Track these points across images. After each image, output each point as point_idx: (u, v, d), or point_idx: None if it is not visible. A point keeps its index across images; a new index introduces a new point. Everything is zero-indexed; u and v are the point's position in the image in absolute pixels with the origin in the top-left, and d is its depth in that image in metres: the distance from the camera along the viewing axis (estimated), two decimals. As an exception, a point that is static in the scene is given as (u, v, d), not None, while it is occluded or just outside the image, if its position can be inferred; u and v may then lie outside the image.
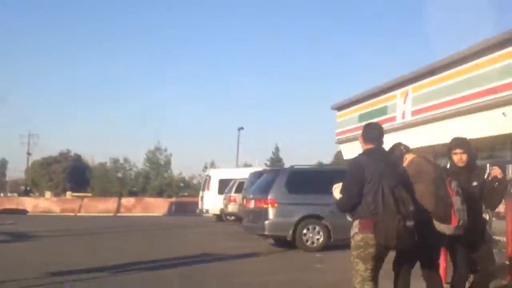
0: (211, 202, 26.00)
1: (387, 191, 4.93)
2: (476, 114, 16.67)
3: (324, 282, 8.74)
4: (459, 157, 6.14)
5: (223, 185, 25.96)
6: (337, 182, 12.21)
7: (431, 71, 19.77)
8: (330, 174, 12.85)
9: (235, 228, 19.08)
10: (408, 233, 4.96)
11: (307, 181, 12.41)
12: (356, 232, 5.14)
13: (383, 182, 4.98)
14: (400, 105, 22.36)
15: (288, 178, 12.23)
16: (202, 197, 27.11)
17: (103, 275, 9.38)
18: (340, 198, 5.38)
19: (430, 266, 5.82)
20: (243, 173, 26.26)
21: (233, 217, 24.25)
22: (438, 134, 19.39)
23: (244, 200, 13.39)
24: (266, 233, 12.15)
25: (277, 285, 8.68)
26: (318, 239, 12.02)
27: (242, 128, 48.49)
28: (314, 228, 12.06)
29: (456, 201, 5.33)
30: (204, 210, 26.81)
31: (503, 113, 15.45)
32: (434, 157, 7.70)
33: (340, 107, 29.37)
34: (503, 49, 14.96)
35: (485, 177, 6.22)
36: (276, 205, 11.94)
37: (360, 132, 20.21)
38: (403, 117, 22.03)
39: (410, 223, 4.97)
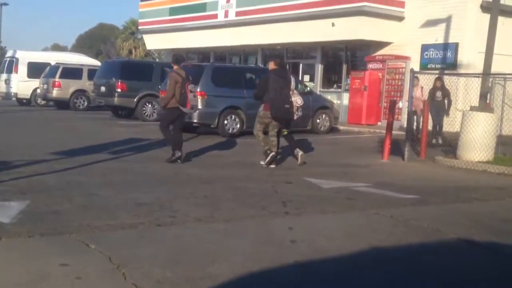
0: (21, 85, 25.45)
1: (278, 90, 9.19)
2: (305, 21, 20.54)
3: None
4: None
5: (33, 68, 25.63)
6: (249, 78, 15.00)
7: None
8: (243, 71, 15.37)
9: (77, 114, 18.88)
10: (287, 110, 9.39)
11: (227, 77, 14.45)
12: (261, 109, 9.54)
13: (278, 86, 9.22)
14: (223, 3, 25.03)
15: (213, 73, 14.03)
16: (7, 80, 26.15)
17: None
18: (256, 91, 9.77)
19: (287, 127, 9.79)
20: (58, 57, 26.29)
21: (43, 102, 24.56)
22: (263, 36, 22.90)
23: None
24: (194, 121, 13.47)
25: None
26: (235, 126, 14.04)
27: (6, 4, 43.98)
28: (233, 118, 14.04)
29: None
30: (12, 94, 26.02)
31: (332, 23, 19.65)
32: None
33: (145, -3, 30.53)
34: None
35: None
36: (206, 96, 13.58)
37: (170, 24, 25.57)
38: (226, 16, 24.88)
39: (287, 106, 9.36)
